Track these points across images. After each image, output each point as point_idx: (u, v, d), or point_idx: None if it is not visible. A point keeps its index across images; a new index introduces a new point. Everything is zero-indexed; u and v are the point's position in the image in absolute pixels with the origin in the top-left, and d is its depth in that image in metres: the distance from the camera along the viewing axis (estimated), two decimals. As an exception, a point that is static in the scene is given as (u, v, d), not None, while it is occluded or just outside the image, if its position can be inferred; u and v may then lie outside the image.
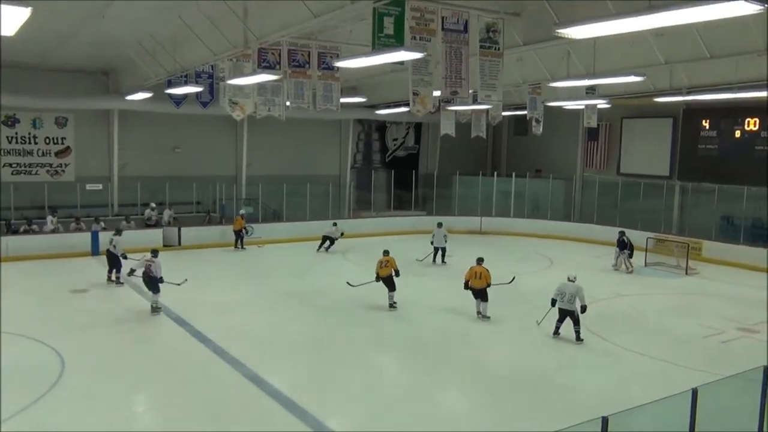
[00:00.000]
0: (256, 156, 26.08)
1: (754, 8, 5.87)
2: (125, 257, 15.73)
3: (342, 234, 21.93)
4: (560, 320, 12.15)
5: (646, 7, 6.65)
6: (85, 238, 19.71)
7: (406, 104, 11.83)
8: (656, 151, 24.86)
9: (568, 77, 15.43)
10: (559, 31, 7.65)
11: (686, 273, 18.75)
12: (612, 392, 9.67)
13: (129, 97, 20.68)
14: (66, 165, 22.83)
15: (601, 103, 19.84)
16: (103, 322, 12.81)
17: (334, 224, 22.16)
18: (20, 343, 11.16)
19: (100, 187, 22.81)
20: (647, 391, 8.26)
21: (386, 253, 14.59)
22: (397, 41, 9.68)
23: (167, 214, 22.47)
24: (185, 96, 19.19)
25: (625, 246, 18.94)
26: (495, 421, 8.80)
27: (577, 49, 14.89)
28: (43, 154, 22.41)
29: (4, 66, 18.06)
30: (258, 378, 9.88)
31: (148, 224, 22.01)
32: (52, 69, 20.76)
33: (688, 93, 18.33)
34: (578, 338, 11.97)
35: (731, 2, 5.76)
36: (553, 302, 12.18)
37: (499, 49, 11.42)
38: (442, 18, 10.46)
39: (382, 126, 30.43)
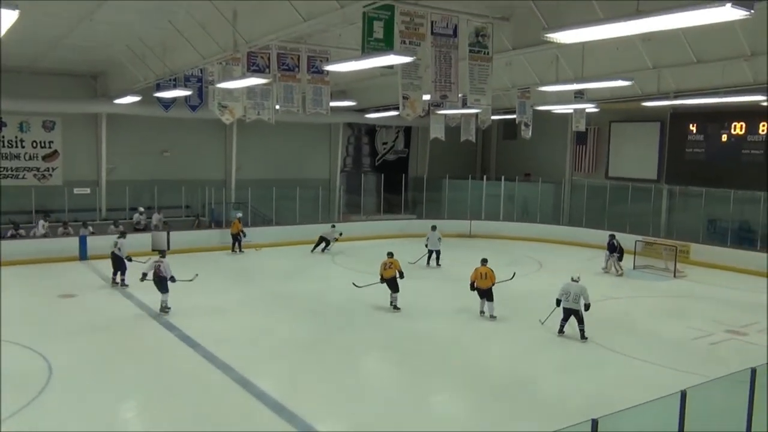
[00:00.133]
0: (245, 160, 26.03)
1: (741, 14, 5.92)
2: (130, 260, 15.99)
3: (340, 234, 22.09)
4: (565, 319, 12.44)
5: (634, 12, 6.69)
6: (73, 242, 19.56)
7: (396, 108, 11.85)
8: (644, 154, 25.02)
9: (556, 81, 15.51)
10: (548, 35, 7.68)
11: (674, 276, 18.88)
12: (602, 394, 9.71)
13: (117, 101, 20.59)
14: (53, 169, 22.69)
15: (590, 107, 19.97)
16: (91, 328, 12.70)
17: (333, 226, 22.34)
18: (7, 348, 11.02)
19: (88, 191, 22.69)
20: (637, 393, 8.28)
21: (390, 255, 14.73)
22: (386, 45, 9.71)
23: (156, 218, 22.36)
24: (174, 99, 19.12)
25: (614, 249, 19.05)
26: (486, 424, 8.80)
27: (566, 53, 14.98)
28: (30, 158, 22.27)
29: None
30: (247, 382, 9.83)
31: (136, 228, 21.89)
32: (39, 72, 20.64)
33: (676, 97, 18.47)
34: (583, 336, 12.27)
35: (718, 8, 5.81)
36: (558, 302, 12.45)
37: (488, 53, 11.47)
38: (432, 22, 10.50)
39: (371, 130, 30.46)
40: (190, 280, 14.32)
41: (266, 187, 24.13)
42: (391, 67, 10.80)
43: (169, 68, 15.22)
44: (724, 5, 5.74)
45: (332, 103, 15.10)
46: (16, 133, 21.96)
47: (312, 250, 21.54)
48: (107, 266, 16.59)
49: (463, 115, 21.69)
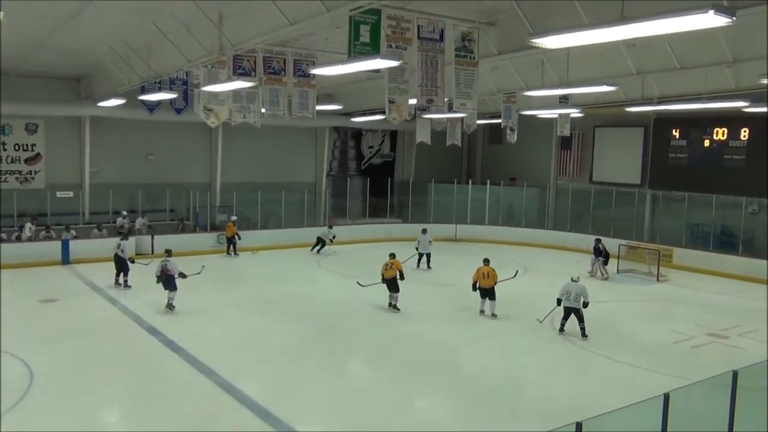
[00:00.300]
0: (230, 163, 25.89)
1: (723, 21, 5.99)
2: (132, 261, 16.30)
3: (334, 237, 22.34)
4: (565, 317, 12.87)
5: (619, 18, 6.75)
6: (56, 246, 19.34)
7: (382, 112, 11.89)
8: (628, 159, 25.23)
9: (542, 86, 15.61)
10: (534, 40, 7.73)
11: (657, 280, 19.04)
12: (586, 398, 9.75)
13: (101, 104, 20.41)
14: (36, 172, 22.43)
15: (575, 112, 20.12)
16: (73, 333, 12.57)
17: (330, 227, 22.77)
18: (-13, 353, 10.90)
19: (71, 194, 22.46)
20: (621, 396, 8.33)
21: (392, 256, 14.96)
22: (373, 49, 9.72)
23: (140, 222, 22.19)
24: (159, 102, 18.98)
25: (600, 253, 19.19)
26: (471, 427, 8.80)
27: (551, 58, 15.06)
28: (12, 161, 21.97)
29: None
30: (231, 387, 9.77)
31: (120, 232, 21.66)
32: (22, 74, 20.40)
33: (659, 103, 18.66)
34: (584, 334, 12.65)
35: (701, 14, 5.87)
36: (559, 301, 12.90)
37: (474, 58, 11.52)
38: (418, 27, 10.53)
39: (357, 133, 30.45)
40: (198, 273, 14.68)
41: (251, 190, 24.05)
42: (377, 71, 10.79)
43: (154, 71, 15.10)
44: (707, 12, 5.80)
45: (318, 107, 15.08)
46: (-3, 136, 21.71)
47: (311, 250, 22.15)
48: (90, 270, 16.50)
49: (449, 119, 21.74)
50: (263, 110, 14.76)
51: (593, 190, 25.47)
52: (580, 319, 12.68)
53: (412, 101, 11.36)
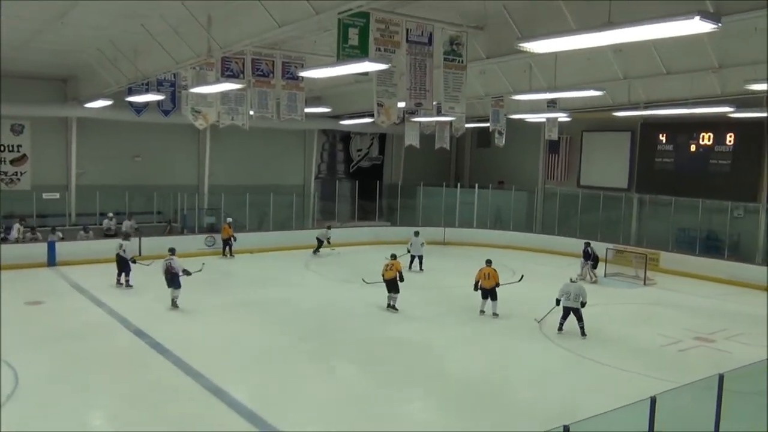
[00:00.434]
0: (218, 165, 25.79)
1: (709, 27, 6.05)
2: (134, 262, 16.42)
3: (329, 239, 22.51)
4: (564, 317, 13.14)
5: (606, 23, 6.80)
6: (41, 248, 19.15)
7: (371, 115, 11.90)
8: (615, 163, 25.37)
9: (530, 90, 15.69)
10: (522, 45, 7.77)
11: (644, 283, 19.14)
12: (573, 401, 9.77)
13: (88, 105, 20.28)
14: (22, 173, 22.23)
15: (562, 117, 20.23)
16: (59, 335, 12.45)
17: (328, 227, 22.97)
18: (-29, 356, 10.78)
19: (57, 196, 22.25)
20: (607, 399, 8.36)
21: (393, 257, 15.09)
22: (361, 52, 9.74)
23: (127, 224, 22.03)
24: (146, 104, 18.90)
25: (589, 257, 19.29)
26: (457, 429, 8.81)
27: (539, 63, 15.15)
28: (-3, 162, 21.81)
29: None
30: (218, 389, 9.72)
31: (107, 234, 21.53)
32: (8, 75, 20.19)
33: (646, 108, 18.78)
34: (583, 333, 12.96)
35: (687, 20, 5.93)
36: (558, 301, 13.21)
37: (462, 61, 11.56)
38: (407, 30, 10.56)
39: (346, 136, 30.41)
40: (199, 270, 14.92)
41: (239, 193, 23.96)
42: (366, 73, 10.83)
43: (142, 72, 15.03)
44: (693, 18, 5.86)
45: (307, 110, 15.08)
46: (-18, 137, 21.50)
47: (313, 253, 22.35)
48: (76, 272, 16.34)
49: (437, 122, 21.81)
50: (252, 112, 14.75)
51: (581, 194, 25.57)
52: (579, 319, 12.98)
53: (401, 104, 11.38)
